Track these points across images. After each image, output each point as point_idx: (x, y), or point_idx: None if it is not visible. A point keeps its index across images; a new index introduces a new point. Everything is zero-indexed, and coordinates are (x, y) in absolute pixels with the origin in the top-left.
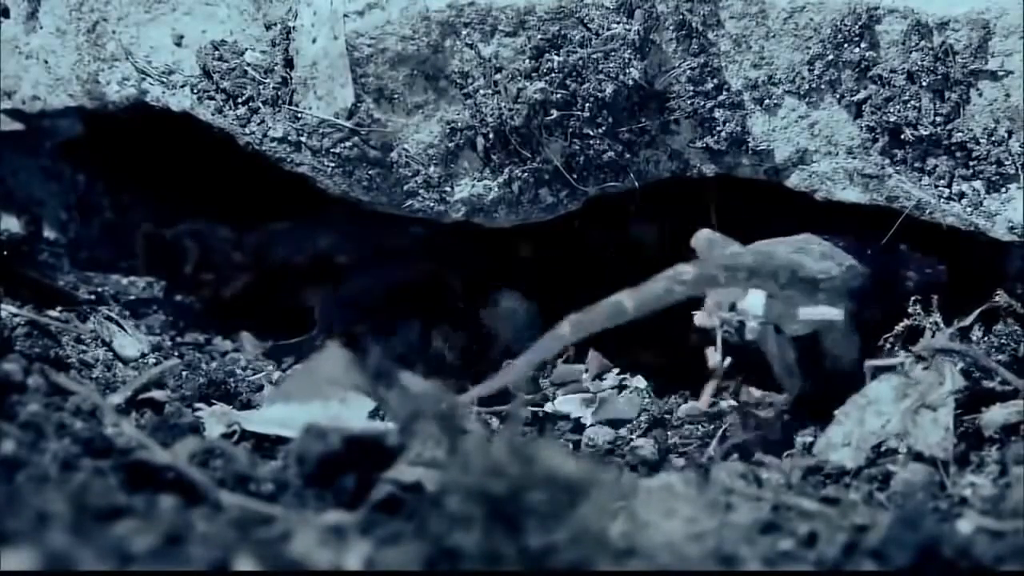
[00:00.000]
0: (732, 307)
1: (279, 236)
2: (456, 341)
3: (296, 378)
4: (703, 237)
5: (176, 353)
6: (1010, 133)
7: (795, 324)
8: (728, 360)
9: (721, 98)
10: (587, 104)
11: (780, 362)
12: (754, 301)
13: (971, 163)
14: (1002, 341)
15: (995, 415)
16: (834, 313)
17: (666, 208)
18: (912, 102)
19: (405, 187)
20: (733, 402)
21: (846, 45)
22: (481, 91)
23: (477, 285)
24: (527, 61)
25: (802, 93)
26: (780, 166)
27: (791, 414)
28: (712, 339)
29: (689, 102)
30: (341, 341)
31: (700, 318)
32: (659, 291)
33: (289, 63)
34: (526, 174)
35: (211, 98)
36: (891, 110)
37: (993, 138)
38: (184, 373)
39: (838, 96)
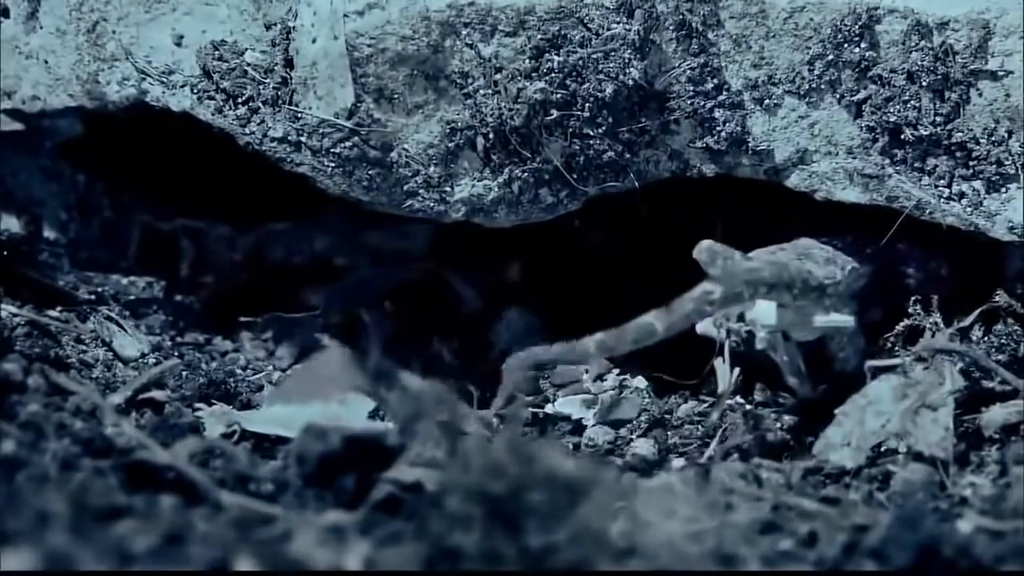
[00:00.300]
0: (740, 317)
1: (277, 236)
2: (454, 342)
3: (296, 378)
4: (705, 248)
5: (176, 353)
6: (1010, 133)
7: (805, 331)
8: (737, 371)
9: (721, 98)
10: (587, 104)
11: (791, 368)
12: (764, 311)
13: (971, 163)
14: (1002, 341)
15: (995, 415)
16: (846, 320)
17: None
18: (912, 102)
19: (405, 187)
20: (741, 400)
21: (846, 45)
22: (481, 91)
23: (489, 297)
24: (527, 61)
25: (802, 93)
26: (780, 166)
27: (800, 416)
28: (716, 347)
29: (689, 102)
30: (342, 322)
31: (703, 327)
32: (689, 311)
33: (289, 63)
34: (526, 174)
35: (211, 98)
36: (891, 110)
37: (993, 138)
38: (184, 373)
39: (838, 96)
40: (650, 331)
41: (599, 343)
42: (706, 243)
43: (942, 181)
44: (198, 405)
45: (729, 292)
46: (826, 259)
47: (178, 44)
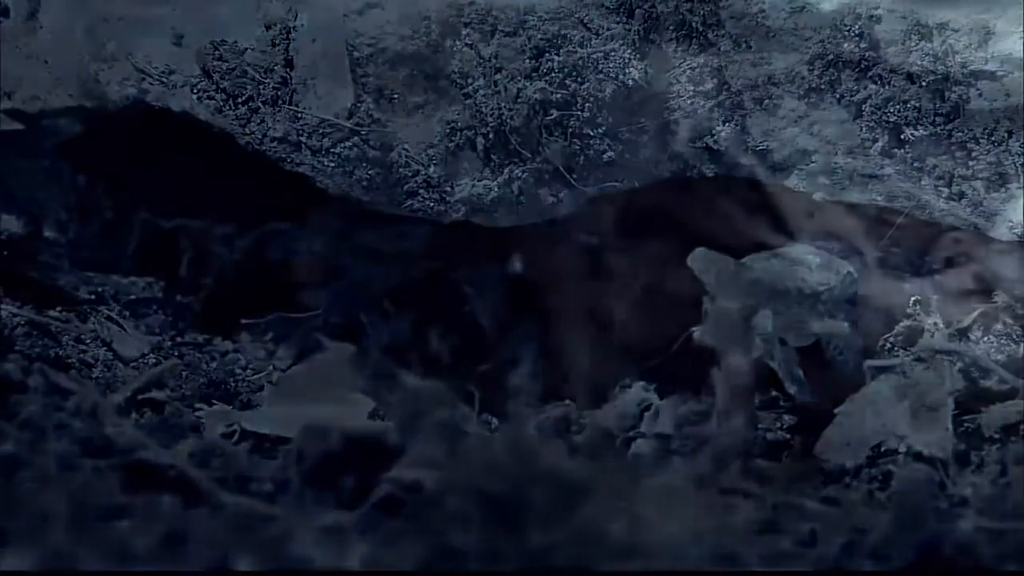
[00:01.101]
0: None
1: (277, 236)
2: (452, 341)
3: (296, 377)
4: (700, 256)
5: (176, 353)
6: (1010, 133)
7: (800, 338)
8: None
9: (721, 98)
10: (587, 104)
11: (789, 375)
12: (760, 319)
13: (971, 163)
14: (1001, 341)
15: (995, 415)
16: (841, 327)
17: None
18: (912, 102)
19: (405, 187)
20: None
21: (846, 45)
22: (481, 91)
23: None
24: (527, 61)
25: (802, 93)
26: (780, 166)
27: (799, 416)
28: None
29: (689, 102)
30: (343, 325)
31: (701, 335)
32: (741, 333)
33: (289, 63)
34: (526, 174)
35: (211, 98)
36: (891, 110)
37: (993, 138)
38: (184, 373)
39: (838, 96)
40: (745, 366)
41: (737, 425)
42: (700, 250)
43: (942, 181)
44: (198, 405)
45: (746, 304)
46: (819, 265)
47: (178, 44)
